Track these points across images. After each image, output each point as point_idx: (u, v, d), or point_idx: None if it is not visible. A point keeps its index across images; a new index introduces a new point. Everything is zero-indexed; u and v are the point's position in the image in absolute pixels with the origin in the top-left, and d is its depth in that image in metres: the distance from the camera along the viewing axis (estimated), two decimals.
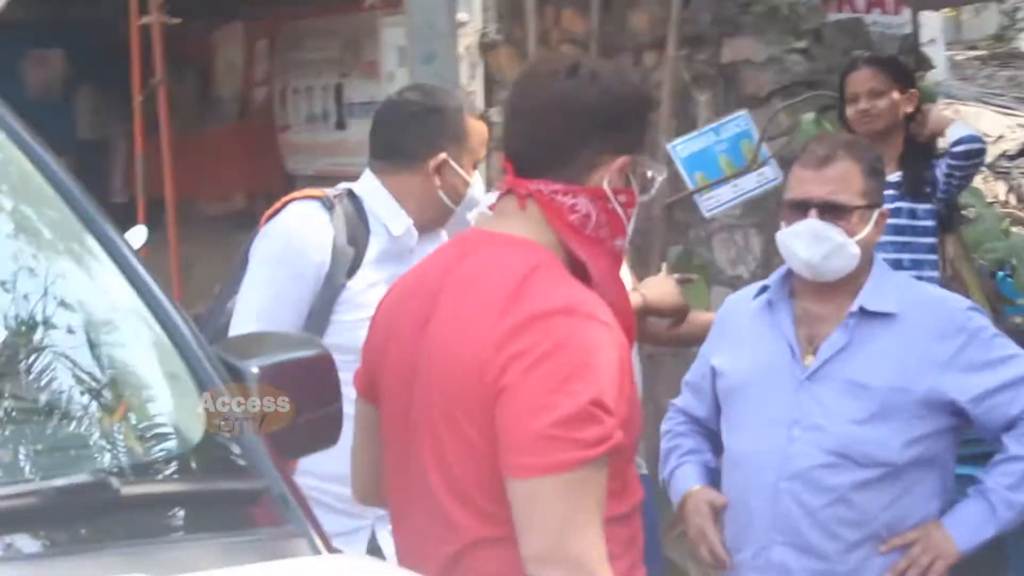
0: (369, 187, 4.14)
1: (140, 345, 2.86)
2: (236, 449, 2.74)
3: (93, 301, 2.89)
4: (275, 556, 2.59)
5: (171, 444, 2.77)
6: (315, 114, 11.31)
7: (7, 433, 2.63)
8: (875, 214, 3.96)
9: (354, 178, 4.22)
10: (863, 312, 3.93)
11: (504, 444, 2.83)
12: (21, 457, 2.62)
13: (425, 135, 4.09)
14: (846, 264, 3.92)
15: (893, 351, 3.89)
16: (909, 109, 5.80)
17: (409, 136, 4.11)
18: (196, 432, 2.75)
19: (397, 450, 3.08)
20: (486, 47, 9.45)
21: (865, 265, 3.97)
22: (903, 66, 5.99)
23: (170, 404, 2.85)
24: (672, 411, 4.28)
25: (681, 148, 6.86)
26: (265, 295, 4.00)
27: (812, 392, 3.92)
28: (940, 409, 3.88)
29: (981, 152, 5.78)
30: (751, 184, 6.73)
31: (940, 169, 5.72)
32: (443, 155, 4.08)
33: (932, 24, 12.34)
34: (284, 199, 4.17)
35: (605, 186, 2.99)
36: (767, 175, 6.72)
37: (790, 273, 4.03)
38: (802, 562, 3.89)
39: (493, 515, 2.87)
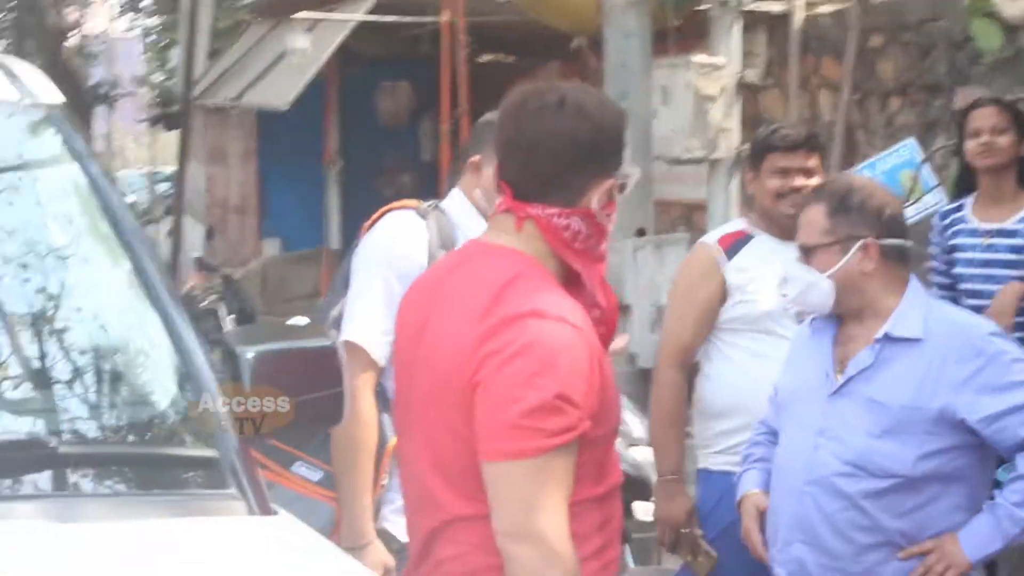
0: (453, 199, 4.19)
1: (130, 326, 3.00)
2: (196, 421, 2.86)
3: (99, 290, 3.06)
4: (207, 514, 2.70)
5: (134, 411, 2.90)
6: None
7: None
8: (853, 246, 3.86)
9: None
10: (889, 337, 3.83)
11: (479, 431, 2.86)
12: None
13: (478, 140, 4.12)
14: (822, 299, 3.88)
15: (913, 372, 3.77)
16: (1023, 153, 5.57)
17: (472, 142, 4.18)
18: (163, 402, 2.89)
19: (401, 433, 3.18)
20: (743, 88, 9.46)
21: (871, 294, 3.86)
22: (1021, 112, 5.74)
23: (146, 378, 2.97)
24: (758, 422, 4.26)
25: None
26: (375, 295, 3.98)
27: (837, 407, 3.83)
28: (953, 427, 3.73)
29: None
30: (908, 214, 6.42)
31: None
32: (477, 156, 4.08)
33: None
34: (381, 210, 4.23)
35: (594, 206, 3.01)
36: (928, 202, 6.37)
37: None
38: (816, 559, 3.81)
39: (473, 496, 2.90)
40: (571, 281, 3.04)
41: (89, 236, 3.19)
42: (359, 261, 4.13)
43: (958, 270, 5.66)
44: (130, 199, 22.73)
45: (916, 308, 3.89)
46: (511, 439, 2.81)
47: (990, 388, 3.72)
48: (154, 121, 19.51)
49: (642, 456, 5.35)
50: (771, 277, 4.57)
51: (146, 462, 2.84)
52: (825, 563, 3.82)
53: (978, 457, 3.82)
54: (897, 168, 6.50)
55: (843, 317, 3.96)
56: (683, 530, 4.65)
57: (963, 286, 5.66)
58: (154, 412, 2.94)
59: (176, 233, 12.11)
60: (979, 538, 3.76)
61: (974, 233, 5.61)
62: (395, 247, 4.05)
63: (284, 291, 14.03)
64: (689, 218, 10.34)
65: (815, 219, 3.88)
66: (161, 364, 2.96)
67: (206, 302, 10.28)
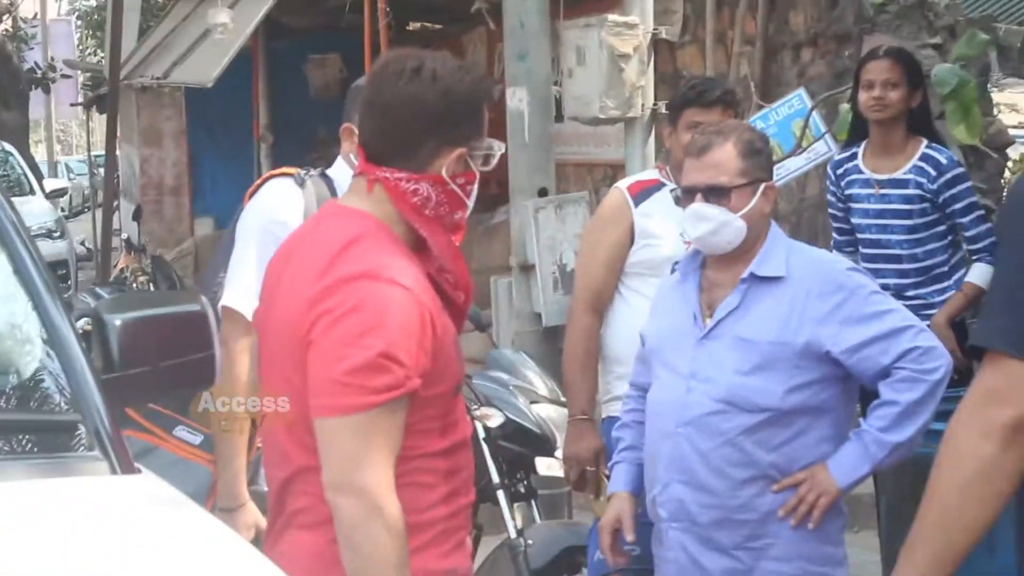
0: (337, 167, 4.34)
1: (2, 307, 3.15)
2: (62, 389, 3.00)
3: None
4: (71, 474, 2.86)
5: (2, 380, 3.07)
6: None
7: None
8: (759, 189, 4.02)
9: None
10: (754, 277, 4.00)
11: (310, 388, 3.03)
12: None
13: (351, 105, 4.18)
14: (733, 237, 3.99)
15: (778, 309, 3.95)
16: (914, 104, 5.76)
17: (347, 108, 4.28)
18: (27, 372, 3.06)
19: (260, 388, 3.30)
20: (662, 45, 9.61)
21: (759, 235, 4.04)
22: (916, 63, 5.93)
23: (15, 351, 3.12)
24: (629, 388, 4.41)
25: None
26: (251, 261, 4.13)
27: (707, 349, 4.01)
28: (819, 360, 3.92)
29: None
30: (799, 163, 6.57)
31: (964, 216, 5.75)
32: (348, 123, 4.22)
33: None
34: (262, 178, 4.38)
35: (444, 174, 3.13)
36: (819, 150, 6.54)
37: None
38: (695, 497, 3.99)
39: (315, 448, 3.05)
40: (422, 246, 3.18)
41: None
42: (240, 229, 4.29)
43: (855, 220, 5.85)
44: (63, 184, 22.74)
45: (778, 248, 4.06)
46: (337, 395, 2.97)
47: (852, 320, 3.91)
48: (88, 104, 19.54)
49: (546, 412, 5.49)
50: (675, 226, 4.74)
51: (11, 428, 2.99)
52: (704, 500, 3.99)
53: (842, 389, 4.01)
54: (789, 119, 6.69)
55: (707, 263, 4.13)
56: (588, 468, 4.83)
57: (861, 236, 5.85)
58: (20, 380, 3.09)
59: (106, 216, 12.21)
60: (847, 465, 3.95)
61: (867, 183, 5.80)
62: (271, 214, 4.21)
63: None
64: (614, 178, 10.47)
65: (727, 160, 3.99)
66: (30, 338, 3.11)
67: (136, 282, 10.41)
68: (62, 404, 3.03)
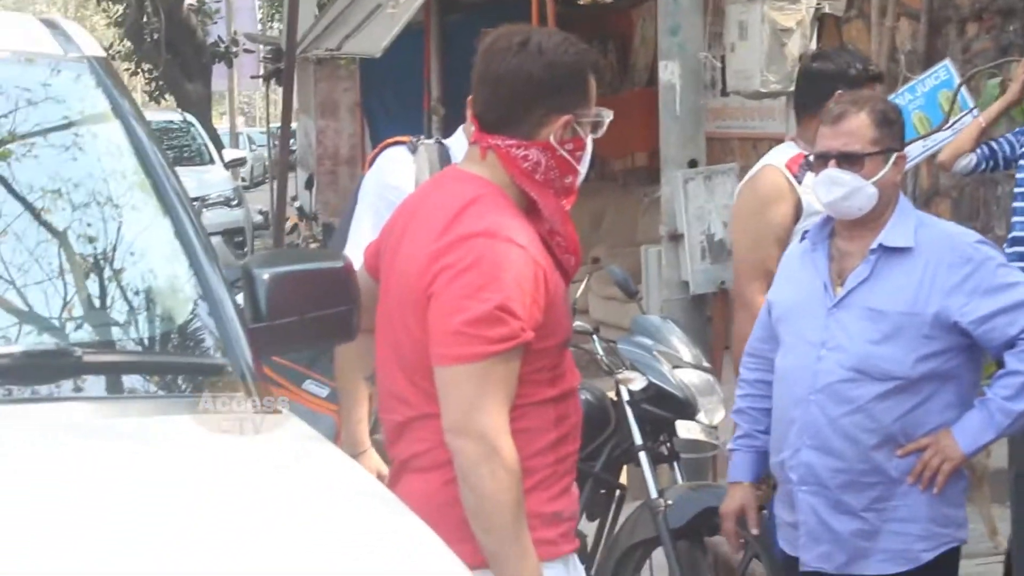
0: (455, 137, 4.60)
1: (157, 255, 3.43)
2: (212, 335, 3.28)
3: (131, 222, 3.49)
4: (219, 411, 3.13)
5: (158, 325, 3.36)
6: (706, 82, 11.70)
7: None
8: (891, 158, 4.16)
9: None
10: (883, 248, 4.15)
11: (431, 338, 3.28)
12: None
13: None
14: (864, 203, 4.13)
15: (907, 280, 4.10)
16: None
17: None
18: (182, 318, 3.36)
19: (377, 337, 3.56)
20: (827, 19, 9.69)
21: (888, 205, 4.18)
22: None
23: (170, 300, 3.42)
24: (746, 356, 4.57)
25: None
26: (369, 225, 4.39)
27: (838, 318, 4.16)
28: (948, 330, 4.06)
29: None
30: (947, 136, 6.58)
31: None
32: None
33: None
34: (379, 145, 4.68)
35: (552, 140, 3.36)
36: (966, 123, 6.56)
37: (830, 218, 4.30)
38: (825, 462, 4.15)
39: (433, 395, 3.31)
40: (533, 209, 3.41)
41: (125, 179, 3.60)
42: (360, 194, 4.63)
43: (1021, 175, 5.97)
44: (242, 154, 23.32)
45: (907, 219, 4.20)
46: (456, 345, 3.22)
47: (980, 291, 4.06)
48: (267, 76, 20.08)
49: (688, 378, 5.67)
50: None
51: (167, 369, 3.30)
52: (833, 464, 4.15)
53: (968, 357, 4.16)
54: (935, 89, 6.74)
55: (836, 232, 4.29)
56: None
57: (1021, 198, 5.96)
58: (177, 328, 3.40)
59: (280, 186, 12.63)
60: (972, 432, 4.10)
61: None
62: (385, 181, 4.51)
63: None
64: None
65: (861, 129, 4.14)
66: (187, 292, 3.38)
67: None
68: (212, 350, 3.32)
